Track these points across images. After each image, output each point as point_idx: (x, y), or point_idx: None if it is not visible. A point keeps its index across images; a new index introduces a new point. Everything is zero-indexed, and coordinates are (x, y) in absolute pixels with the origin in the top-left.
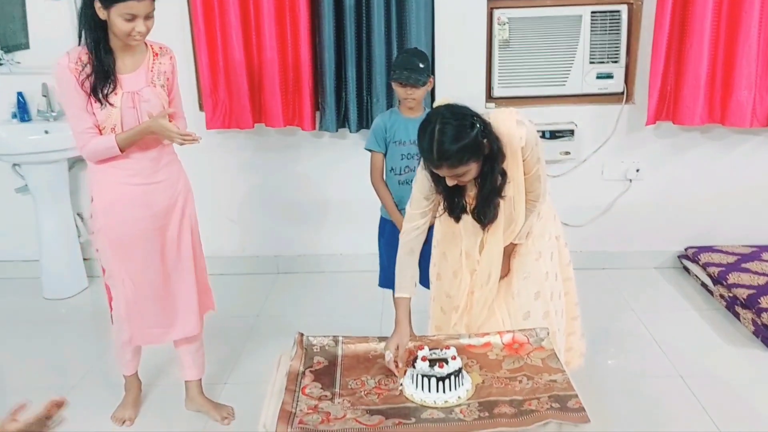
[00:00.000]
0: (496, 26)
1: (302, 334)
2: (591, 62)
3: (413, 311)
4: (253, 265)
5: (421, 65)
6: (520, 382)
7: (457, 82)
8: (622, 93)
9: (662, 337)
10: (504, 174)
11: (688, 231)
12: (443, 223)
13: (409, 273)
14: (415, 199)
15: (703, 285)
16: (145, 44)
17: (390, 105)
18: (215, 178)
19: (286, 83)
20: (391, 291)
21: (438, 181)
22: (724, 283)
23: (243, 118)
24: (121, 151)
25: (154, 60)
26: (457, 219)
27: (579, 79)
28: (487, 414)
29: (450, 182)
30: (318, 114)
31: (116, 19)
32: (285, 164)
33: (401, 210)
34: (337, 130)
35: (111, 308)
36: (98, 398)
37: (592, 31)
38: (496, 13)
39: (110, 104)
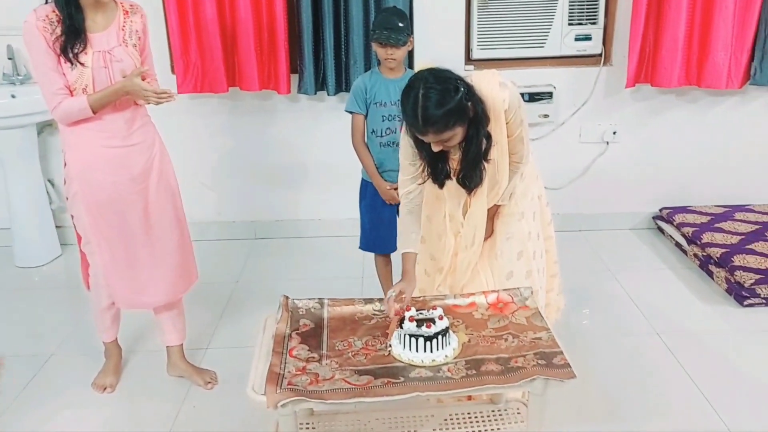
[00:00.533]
0: None
1: (287, 297)
2: (570, 24)
3: (394, 275)
4: (230, 231)
5: (401, 24)
6: (506, 340)
7: (435, 44)
8: (600, 55)
9: (638, 296)
10: (489, 137)
11: (662, 192)
12: (427, 186)
13: (412, 230)
14: (402, 166)
15: (678, 245)
16: (115, 2)
17: (368, 67)
18: (189, 144)
19: (261, 45)
20: (372, 255)
21: (422, 147)
22: (698, 243)
23: (217, 82)
24: (94, 112)
25: (125, 18)
26: (441, 185)
27: (558, 41)
28: (474, 372)
29: (435, 148)
30: (295, 77)
31: None
32: (261, 128)
33: (382, 173)
34: (315, 93)
35: (87, 275)
36: (77, 365)
37: None
38: None
39: (81, 64)
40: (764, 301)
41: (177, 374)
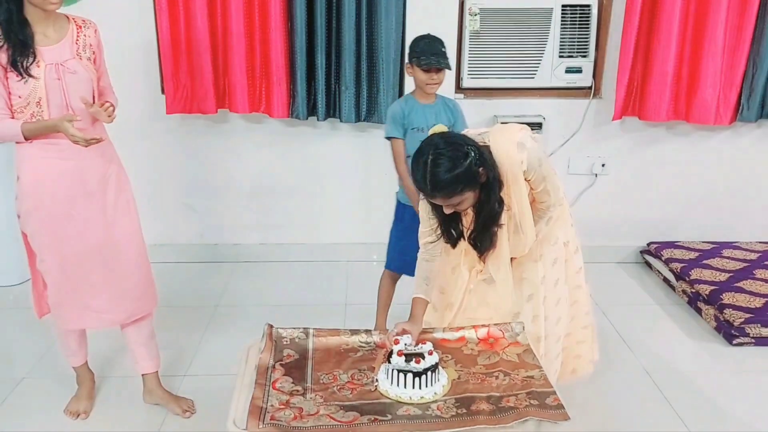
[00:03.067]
0: (467, 16)
1: (271, 326)
2: (560, 56)
3: (397, 302)
4: (212, 253)
5: (443, 49)
6: (497, 378)
7: None
8: (590, 87)
9: (626, 332)
10: (501, 202)
11: (650, 226)
12: None
13: (426, 277)
14: (422, 219)
15: (665, 280)
16: (67, 17)
17: (359, 93)
18: (175, 164)
19: (252, 67)
20: (354, 278)
21: (434, 207)
22: (687, 279)
23: (206, 103)
24: (26, 140)
25: (78, 32)
26: (454, 245)
27: (548, 72)
28: (464, 411)
29: (447, 210)
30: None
31: None
32: (248, 151)
33: None
34: (307, 118)
35: (40, 300)
36: (50, 390)
37: (562, 24)
38: (467, 3)
39: (32, 77)
40: (753, 340)
41: (153, 402)
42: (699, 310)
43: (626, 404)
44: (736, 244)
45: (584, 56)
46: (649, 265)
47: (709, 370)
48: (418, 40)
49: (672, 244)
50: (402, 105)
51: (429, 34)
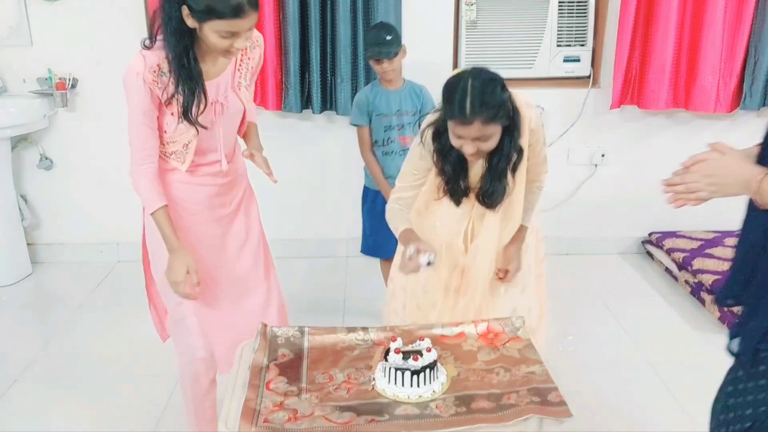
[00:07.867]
0: (463, 6)
1: (265, 325)
2: (558, 45)
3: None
4: None
5: (389, 37)
6: (497, 374)
7: (423, 63)
8: (589, 77)
9: (629, 324)
10: (521, 151)
11: (651, 216)
12: (420, 213)
13: (406, 218)
14: (404, 172)
15: (668, 270)
16: None
17: (355, 85)
18: None
19: None
20: (354, 280)
21: (446, 159)
22: (689, 269)
23: None
24: (150, 215)
25: (242, 57)
26: (458, 202)
27: (546, 62)
28: (464, 409)
29: (470, 149)
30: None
31: (211, 34)
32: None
33: (387, 178)
34: (301, 111)
35: (165, 320)
36: (42, 392)
37: (559, 13)
38: None
39: (202, 127)
40: None
41: None
42: (702, 301)
43: (630, 398)
44: (738, 232)
45: (582, 45)
46: (650, 255)
47: (714, 363)
48: (367, 31)
49: (674, 234)
50: (367, 92)
51: (380, 22)
